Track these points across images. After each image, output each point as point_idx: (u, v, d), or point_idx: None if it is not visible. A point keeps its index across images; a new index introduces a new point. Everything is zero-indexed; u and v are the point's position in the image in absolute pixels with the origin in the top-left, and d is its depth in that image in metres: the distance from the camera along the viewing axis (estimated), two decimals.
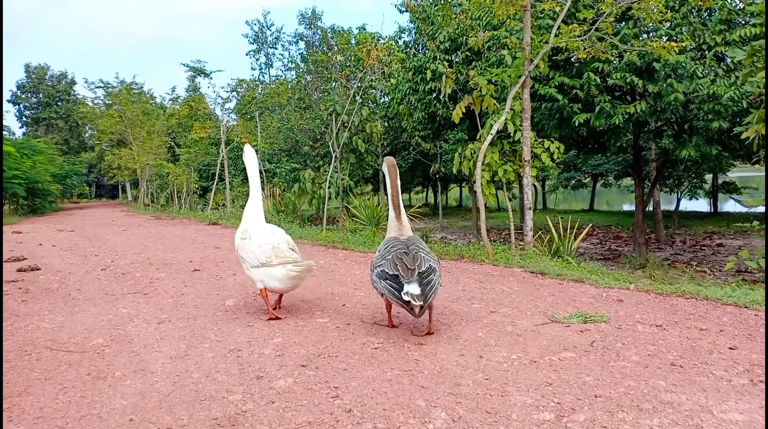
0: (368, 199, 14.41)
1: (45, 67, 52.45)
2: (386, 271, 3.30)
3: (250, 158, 4.38)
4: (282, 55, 43.22)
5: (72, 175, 35.55)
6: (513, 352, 3.09)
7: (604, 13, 7.93)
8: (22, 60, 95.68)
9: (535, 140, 8.39)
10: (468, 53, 14.61)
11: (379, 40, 19.59)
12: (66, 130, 50.44)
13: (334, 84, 23.00)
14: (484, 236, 7.65)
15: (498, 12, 8.33)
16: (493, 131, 7.88)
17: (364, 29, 27.01)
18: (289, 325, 3.71)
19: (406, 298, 3.09)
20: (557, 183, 36.24)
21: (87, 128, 48.59)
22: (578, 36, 7.89)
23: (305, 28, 40.49)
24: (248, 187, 4.39)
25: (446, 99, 14.59)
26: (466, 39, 14.46)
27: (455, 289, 4.84)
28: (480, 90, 8.57)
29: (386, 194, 3.88)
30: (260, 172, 17.80)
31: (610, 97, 10.98)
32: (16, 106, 52.43)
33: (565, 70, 11.63)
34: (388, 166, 3.85)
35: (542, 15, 10.73)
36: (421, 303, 3.09)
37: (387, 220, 3.90)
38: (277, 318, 3.89)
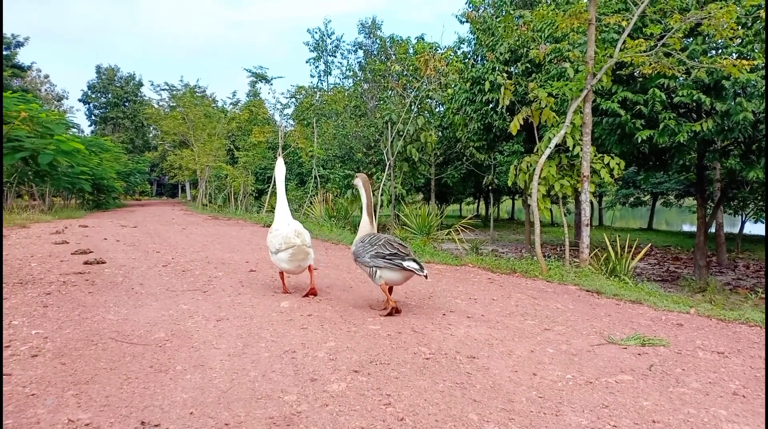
0: (419, 208, 14.40)
1: (115, 68, 55.09)
2: (381, 251, 4.14)
3: (279, 170, 5.57)
4: (341, 63, 43.93)
5: (135, 173, 37.10)
6: (568, 371, 3.04)
7: (672, 28, 7.71)
8: (94, 61, 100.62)
9: (595, 155, 8.22)
10: (528, 65, 14.47)
11: (437, 50, 19.64)
12: (132, 129, 52.71)
13: (390, 93, 23.19)
14: (537, 251, 7.54)
15: (562, 25, 8.23)
16: (552, 145, 7.77)
17: (422, 39, 27.12)
18: (341, 330, 3.76)
19: (409, 267, 4.01)
20: (615, 199, 35.26)
21: (151, 129, 50.62)
22: (644, 51, 7.70)
23: (365, 37, 41.00)
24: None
25: (503, 110, 14.49)
26: (527, 51, 14.34)
27: (507, 304, 4.80)
28: (539, 102, 8.48)
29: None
30: (315, 178, 18.02)
31: (674, 114, 10.64)
32: (86, 105, 55.24)
33: (628, 85, 11.35)
34: (363, 182, 4.81)
35: (607, 29, 10.51)
36: (425, 273, 4.03)
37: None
38: (287, 292, 5.12)
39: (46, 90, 50.87)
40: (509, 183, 9.44)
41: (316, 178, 19.98)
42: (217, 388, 2.69)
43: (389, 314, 4.19)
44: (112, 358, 3.15)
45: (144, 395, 2.60)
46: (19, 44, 39.00)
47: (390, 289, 4.35)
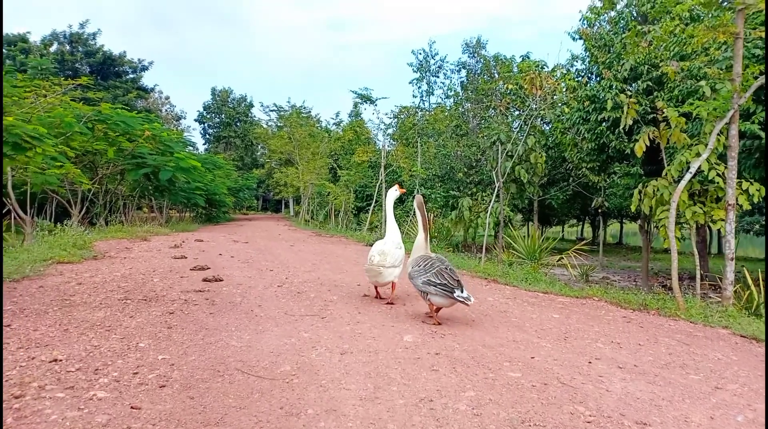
0: (527, 231, 13.75)
1: (228, 90, 58.47)
2: (432, 280, 4.66)
3: (390, 196, 6.12)
4: (443, 83, 43.83)
5: (244, 189, 38.98)
6: None
7: None
8: (210, 84, 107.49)
9: None
10: (649, 83, 13.50)
11: (543, 68, 18.92)
12: (242, 148, 55.55)
13: (492, 112, 22.64)
14: (675, 286, 6.77)
15: (702, 40, 7.49)
16: (693, 170, 7.02)
17: (528, 58, 26.40)
18: (477, 375, 3.39)
19: (460, 298, 4.53)
20: (738, 228, 32.32)
21: (259, 147, 53.03)
22: None
23: (469, 56, 40.68)
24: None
25: (621, 130, 13.58)
26: (648, 68, 13.40)
27: (657, 352, 4.21)
28: (668, 122, 7.76)
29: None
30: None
31: None
32: (202, 125, 58.96)
33: None
34: (418, 204, 5.33)
35: (748, 43, 9.50)
36: (471, 300, 4.57)
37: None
38: (379, 296, 6.01)
39: (166, 110, 54.88)
40: (632, 208, 8.70)
41: (414, 197, 19.78)
42: None
43: (435, 324, 4.80)
44: (239, 393, 2.98)
45: None
46: (144, 68, 42.40)
47: (438, 309, 4.94)
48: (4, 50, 34.41)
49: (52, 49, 37.17)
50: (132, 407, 2.73)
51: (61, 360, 3.40)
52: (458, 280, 4.62)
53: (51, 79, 15.43)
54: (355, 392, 3.04)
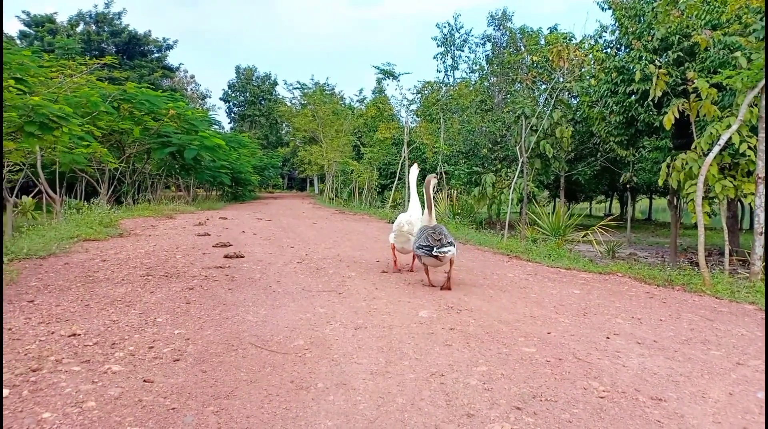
0: (554, 208, 13.54)
1: (252, 68, 58.43)
2: (421, 243, 5.21)
3: (413, 174, 6.81)
4: (468, 57, 43.08)
5: (269, 167, 39.18)
6: None
7: None
8: (235, 62, 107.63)
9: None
10: (680, 53, 13.04)
11: (570, 40, 18.43)
12: (267, 126, 55.67)
13: (518, 86, 22.19)
14: (701, 262, 6.60)
15: (733, 7, 7.18)
16: (722, 142, 6.79)
17: (555, 30, 25.72)
18: (491, 351, 3.36)
19: (434, 253, 5.02)
20: None
21: (284, 125, 53.10)
22: None
23: (494, 29, 39.83)
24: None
25: (650, 103, 13.20)
26: (679, 38, 12.94)
27: (679, 327, 4.11)
28: (698, 94, 7.50)
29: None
30: (440, 174, 17.77)
31: None
32: (227, 104, 59.19)
33: None
34: (425, 183, 5.98)
35: None
36: (441, 255, 5.02)
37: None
38: (399, 270, 6.37)
39: (191, 89, 55.25)
40: (660, 182, 8.49)
41: (441, 174, 19.63)
42: (363, 416, 2.41)
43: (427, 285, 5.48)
44: (252, 367, 3.00)
45: (286, 418, 2.39)
46: (169, 47, 42.58)
47: (427, 271, 5.58)
48: (32, 31, 34.89)
49: (79, 29, 37.52)
50: (145, 380, 2.77)
51: (79, 334, 3.47)
52: (440, 240, 5.08)
53: (77, 58, 15.59)
54: (367, 366, 3.04)
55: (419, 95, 23.89)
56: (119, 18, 38.91)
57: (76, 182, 16.28)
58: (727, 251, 7.57)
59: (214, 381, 2.79)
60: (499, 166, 18.77)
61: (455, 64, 43.66)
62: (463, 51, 43.97)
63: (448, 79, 42.81)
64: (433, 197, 6.04)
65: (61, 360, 2.99)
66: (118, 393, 2.59)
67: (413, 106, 24.45)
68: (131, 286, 4.97)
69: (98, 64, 14.47)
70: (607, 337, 3.71)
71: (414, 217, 6.23)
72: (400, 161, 20.21)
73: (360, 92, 50.70)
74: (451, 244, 5.13)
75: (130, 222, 10.78)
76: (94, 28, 38.03)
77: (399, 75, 24.61)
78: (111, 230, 8.89)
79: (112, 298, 4.50)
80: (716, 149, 6.83)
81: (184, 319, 3.92)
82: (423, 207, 6.12)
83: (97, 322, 3.79)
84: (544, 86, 19.35)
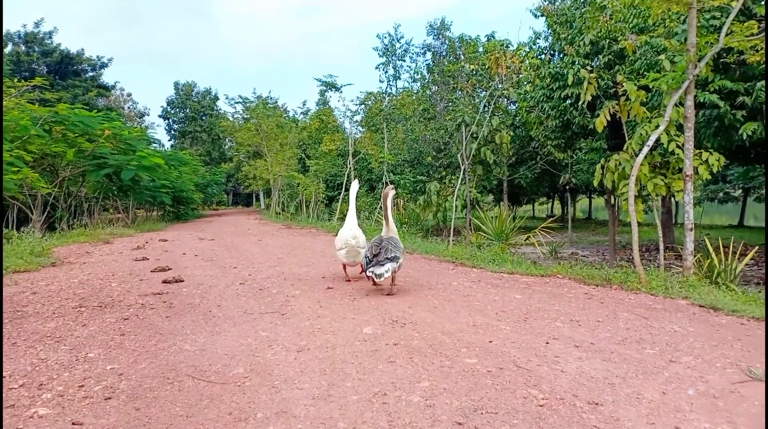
0: (496, 212, 13.81)
1: (192, 84, 57.29)
2: (366, 255, 5.53)
3: (353, 189, 7.00)
4: (409, 66, 43.62)
5: (213, 184, 38.37)
6: (715, 422, 2.50)
7: None
8: (174, 78, 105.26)
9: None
10: (610, 57, 13.57)
11: (507, 47, 18.92)
12: (209, 142, 54.58)
13: (459, 94, 22.58)
14: (636, 260, 6.84)
15: (656, 11, 7.51)
16: (650, 142, 7.07)
17: (493, 37, 26.35)
18: (434, 364, 3.35)
19: (369, 274, 5.35)
20: (702, 196, 32.92)
21: (227, 140, 52.19)
22: (755, 35, 6.85)
23: (433, 38, 40.48)
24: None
25: (584, 106, 13.66)
26: (609, 42, 13.47)
27: (616, 327, 4.23)
28: (627, 96, 7.80)
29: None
30: (384, 184, 17.79)
31: None
32: (166, 121, 57.76)
33: (726, 73, 10.30)
34: (383, 195, 6.18)
35: (706, 12, 9.57)
36: (376, 279, 5.32)
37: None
38: (349, 280, 6.62)
39: (128, 107, 53.56)
40: (595, 183, 8.76)
41: (385, 184, 19.71)
42: None
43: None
44: (188, 401, 2.88)
45: None
46: (104, 65, 41.24)
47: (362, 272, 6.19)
48: None
49: (7, 50, 35.90)
50: (74, 423, 2.62)
51: (4, 377, 3.26)
52: (377, 255, 5.38)
53: (5, 81, 14.88)
54: (309, 391, 2.97)
55: (362, 106, 23.97)
56: (50, 37, 37.46)
57: (7, 210, 15.48)
58: (661, 247, 7.86)
59: (148, 419, 2.66)
60: (444, 173, 19.00)
61: (397, 74, 44.15)
62: (404, 61, 44.53)
63: (391, 88, 43.21)
64: (391, 208, 6.09)
65: None
66: None
67: (357, 117, 24.51)
68: (62, 320, 4.72)
69: (28, 86, 13.85)
70: (547, 342, 3.77)
71: (356, 230, 6.45)
72: (347, 172, 20.18)
73: (304, 104, 50.59)
74: (391, 259, 5.33)
75: (64, 249, 10.30)
76: (23, 48, 36.44)
77: (341, 86, 24.67)
78: (43, 259, 8.46)
79: (42, 333, 4.26)
80: (646, 149, 7.10)
81: (118, 353, 3.74)
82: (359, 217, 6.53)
83: (23, 361, 3.57)
84: (483, 93, 19.76)
